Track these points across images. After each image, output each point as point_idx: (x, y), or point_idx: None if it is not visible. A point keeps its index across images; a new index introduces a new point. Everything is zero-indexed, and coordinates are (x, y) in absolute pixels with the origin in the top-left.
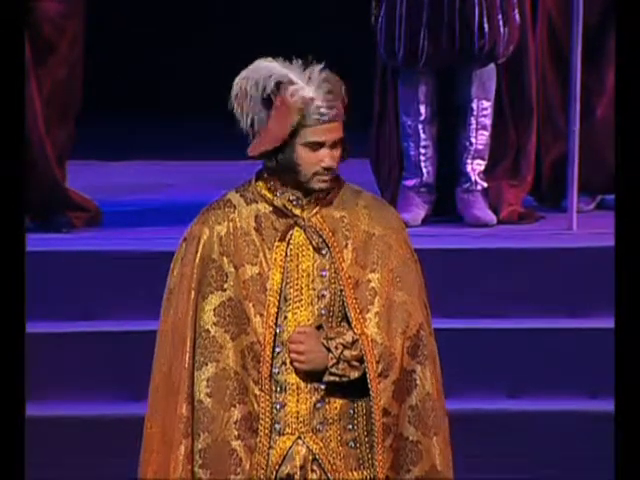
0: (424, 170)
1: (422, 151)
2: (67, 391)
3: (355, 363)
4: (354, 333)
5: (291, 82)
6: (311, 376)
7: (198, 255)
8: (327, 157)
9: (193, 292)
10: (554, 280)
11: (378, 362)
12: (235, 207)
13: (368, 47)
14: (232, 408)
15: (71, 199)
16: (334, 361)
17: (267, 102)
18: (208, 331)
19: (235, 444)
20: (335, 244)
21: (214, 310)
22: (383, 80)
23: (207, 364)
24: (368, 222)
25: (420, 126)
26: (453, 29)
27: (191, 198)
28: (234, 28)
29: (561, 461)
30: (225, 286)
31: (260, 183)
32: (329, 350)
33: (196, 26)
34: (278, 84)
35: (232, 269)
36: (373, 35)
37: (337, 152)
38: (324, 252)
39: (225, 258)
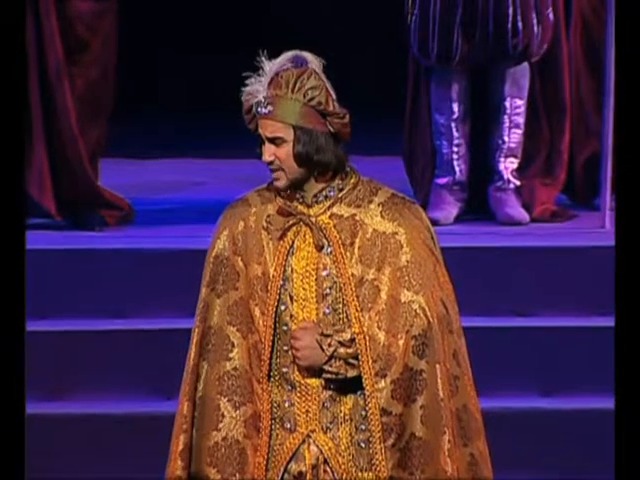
0: (457, 168)
1: (455, 149)
2: (98, 389)
3: (353, 361)
4: (352, 331)
5: (260, 74)
6: (319, 374)
7: (213, 253)
8: (265, 152)
9: (204, 289)
10: (587, 278)
11: (375, 361)
12: (250, 206)
13: (401, 46)
14: (242, 407)
15: (104, 197)
16: (326, 358)
17: None
18: (222, 329)
19: (244, 443)
20: (339, 243)
21: (228, 308)
22: (416, 79)
23: (220, 362)
24: (379, 220)
25: (453, 124)
26: (487, 28)
27: (224, 196)
28: (262, 25)
29: (593, 459)
30: (237, 285)
31: None
32: (321, 347)
33: (226, 24)
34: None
35: (243, 268)
36: (406, 34)
37: (280, 150)
38: (328, 250)
39: (237, 257)
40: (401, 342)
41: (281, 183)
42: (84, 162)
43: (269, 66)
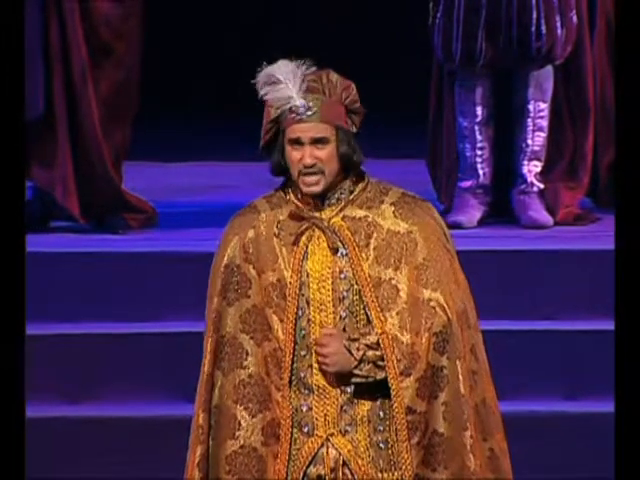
0: (480, 171)
1: (478, 152)
2: (122, 392)
3: (381, 363)
4: (376, 333)
5: (275, 82)
6: (338, 378)
7: (223, 262)
8: (307, 155)
9: (216, 299)
10: (611, 282)
11: (399, 360)
12: (259, 213)
13: (424, 49)
14: (259, 415)
15: (127, 200)
16: (356, 363)
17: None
18: (235, 338)
19: (261, 450)
20: (354, 244)
21: (240, 317)
22: (439, 82)
23: (234, 370)
24: (393, 220)
25: (476, 127)
26: (511, 31)
27: (247, 199)
28: (292, 30)
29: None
30: (249, 293)
31: (285, 188)
32: (350, 352)
33: (246, 27)
34: (266, 85)
35: (255, 276)
36: (430, 37)
37: (323, 152)
38: (343, 253)
39: (249, 265)
40: (423, 340)
41: (319, 187)
42: (108, 165)
43: (282, 72)
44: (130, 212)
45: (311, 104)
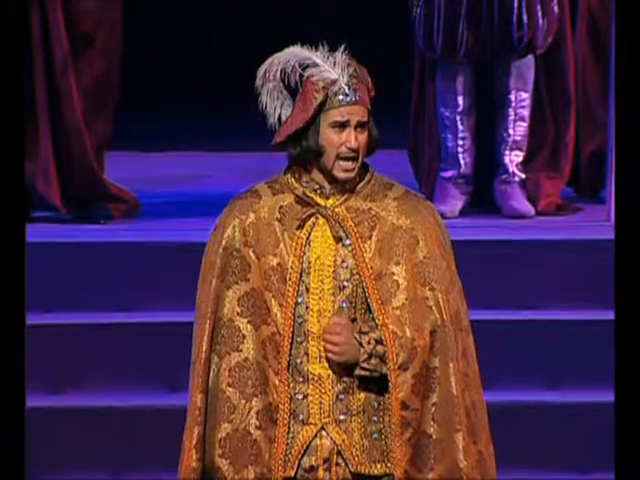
0: (462, 161)
1: (460, 142)
2: (105, 382)
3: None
4: (376, 325)
5: (315, 65)
6: (335, 367)
7: (222, 245)
8: (353, 138)
9: (215, 281)
10: (592, 271)
11: (398, 355)
12: (261, 197)
13: (406, 39)
14: (254, 398)
15: (109, 190)
16: (365, 356)
17: (293, 87)
18: (232, 320)
19: (256, 434)
20: (358, 235)
21: (238, 300)
22: (421, 72)
23: (230, 354)
24: (396, 215)
25: (458, 117)
26: (492, 20)
27: (229, 189)
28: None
29: (599, 452)
30: (248, 276)
31: (288, 174)
32: (361, 344)
33: (235, 15)
34: (303, 67)
35: (255, 259)
36: (411, 27)
37: (363, 136)
38: (346, 242)
39: (248, 248)
40: (421, 337)
41: (354, 173)
42: (90, 155)
43: (318, 56)
44: (112, 202)
45: (356, 87)
